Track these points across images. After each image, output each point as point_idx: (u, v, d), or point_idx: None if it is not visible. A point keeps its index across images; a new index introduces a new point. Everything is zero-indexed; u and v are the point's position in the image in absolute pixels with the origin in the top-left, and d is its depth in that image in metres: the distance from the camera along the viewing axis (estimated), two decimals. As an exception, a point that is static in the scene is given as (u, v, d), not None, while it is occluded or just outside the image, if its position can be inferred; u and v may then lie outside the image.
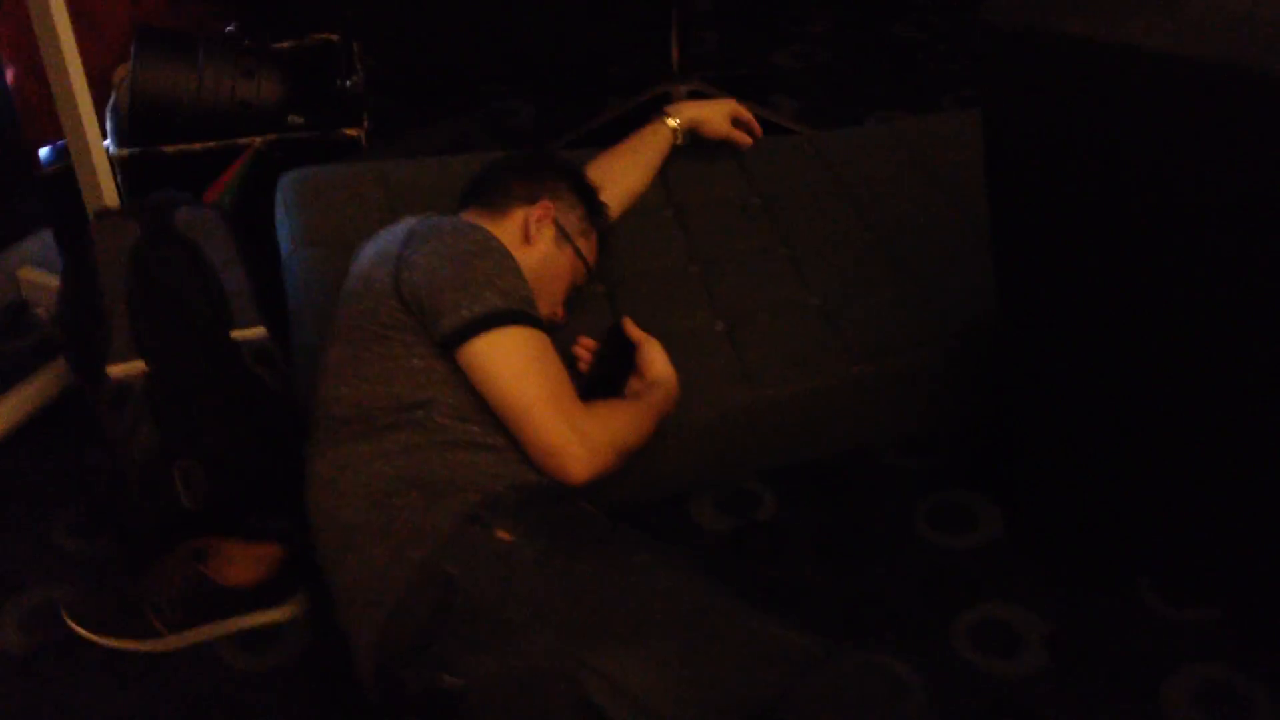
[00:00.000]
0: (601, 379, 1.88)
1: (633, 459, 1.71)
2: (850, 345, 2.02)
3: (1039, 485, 1.94)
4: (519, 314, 1.65)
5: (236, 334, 2.04)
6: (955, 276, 2.14)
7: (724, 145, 2.38)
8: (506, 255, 1.72)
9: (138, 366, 1.93)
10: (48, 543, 1.99)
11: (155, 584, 1.81)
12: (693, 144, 2.33)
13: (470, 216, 1.88)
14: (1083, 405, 1.79)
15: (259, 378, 2.02)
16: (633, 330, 1.89)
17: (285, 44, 2.69)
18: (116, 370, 1.93)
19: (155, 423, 1.91)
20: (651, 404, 1.79)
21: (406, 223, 1.76)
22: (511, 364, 1.63)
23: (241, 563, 1.85)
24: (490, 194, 1.92)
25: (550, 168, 1.99)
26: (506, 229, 1.85)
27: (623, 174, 2.17)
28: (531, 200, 1.90)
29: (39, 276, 2.47)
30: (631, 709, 1.38)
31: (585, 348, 1.92)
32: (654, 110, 2.34)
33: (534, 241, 1.86)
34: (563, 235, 1.91)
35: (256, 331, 2.06)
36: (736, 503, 2.02)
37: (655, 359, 1.85)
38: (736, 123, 2.37)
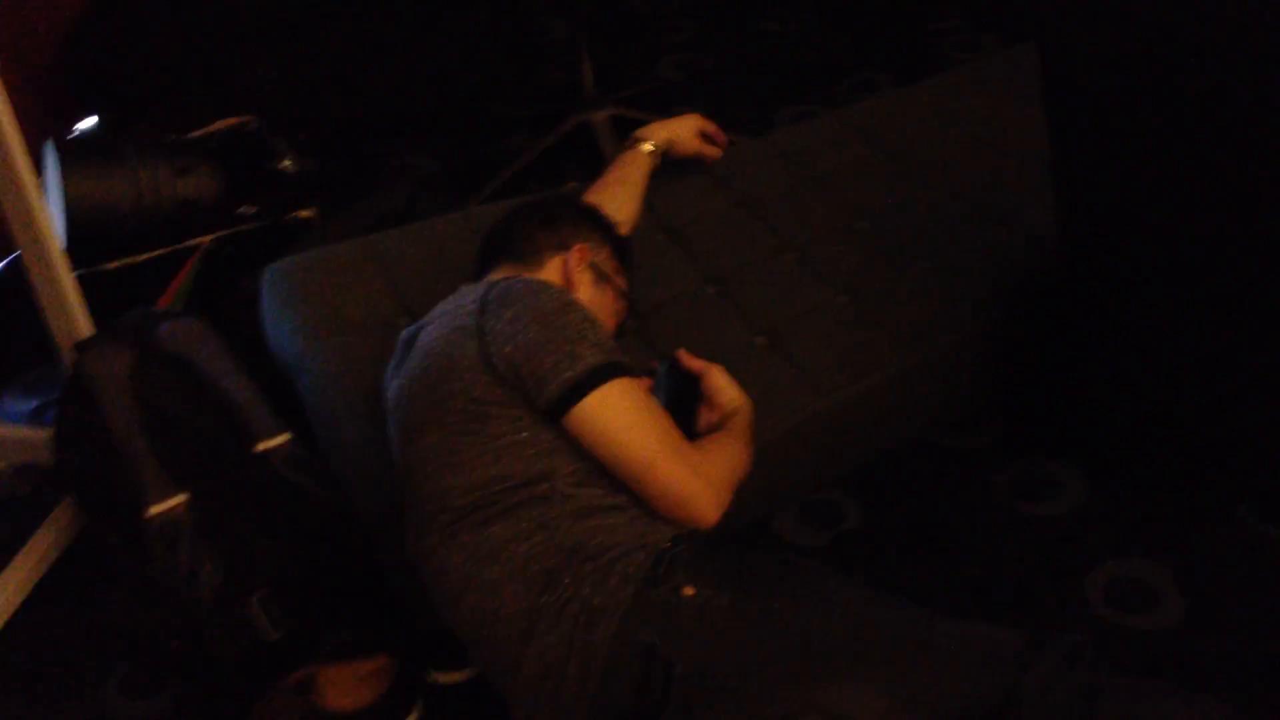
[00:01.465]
0: (672, 417, 1.81)
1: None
2: (894, 337, 1.99)
3: (1120, 434, 1.95)
4: (617, 366, 1.57)
5: (261, 446, 1.90)
6: (958, 249, 2.15)
7: (692, 161, 2.34)
8: (583, 306, 1.64)
9: (179, 501, 1.78)
10: (103, 709, 1.80)
11: (263, 727, 1.66)
12: (661, 164, 2.28)
13: (502, 273, 1.78)
14: (1155, 341, 1.81)
15: (299, 486, 1.89)
16: (692, 361, 1.82)
17: (195, 133, 2.51)
18: (158, 509, 1.77)
19: (217, 558, 1.75)
20: (741, 430, 1.73)
21: (471, 291, 1.66)
22: (624, 419, 1.55)
23: (349, 685, 1.71)
24: (516, 247, 1.83)
25: (569, 210, 1.91)
26: (547, 278, 1.76)
27: (618, 206, 2.10)
28: (562, 246, 1.82)
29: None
30: (863, 742, 1.33)
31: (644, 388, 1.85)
32: (577, 140, 2.26)
33: (576, 286, 1.78)
34: (601, 275, 1.84)
35: (282, 439, 1.93)
36: (821, 515, 1.98)
37: (724, 386, 1.79)
38: (703, 137, 2.33)
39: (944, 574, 1.85)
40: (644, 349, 2.00)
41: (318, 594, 1.82)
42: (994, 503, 1.96)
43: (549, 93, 3.33)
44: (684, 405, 1.80)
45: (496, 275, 1.76)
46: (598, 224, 1.91)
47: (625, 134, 2.29)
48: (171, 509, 1.76)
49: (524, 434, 1.54)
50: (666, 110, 2.38)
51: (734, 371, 1.80)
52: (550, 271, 1.79)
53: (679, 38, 3.62)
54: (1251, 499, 1.88)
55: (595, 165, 2.74)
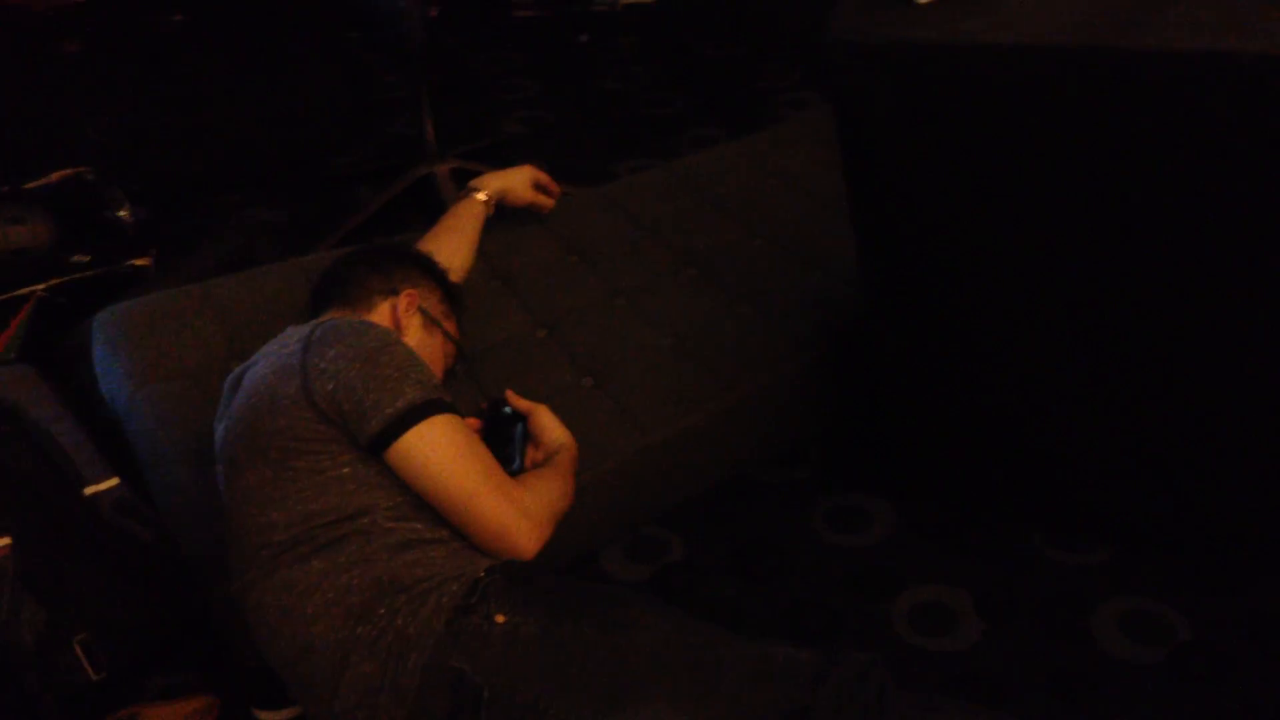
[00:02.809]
0: (497, 455, 1.86)
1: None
2: (716, 376, 2.08)
3: (923, 469, 2.06)
4: (439, 403, 1.61)
5: (90, 490, 1.91)
6: (780, 292, 2.26)
7: (526, 211, 2.42)
8: (406, 346, 1.69)
9: (2, 544, 1.77)
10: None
11: (85, 770, 1.66)
12: (497, 213, 2.35)
13: (331, 316, 1.83)
14: (953, 384, 1.93)
15: (126, 530, 1.90)
16: (518, 401, 1.88)
17: (30, 185, 2.51)
18: (-24, 553, 1.76)
19: (38, 601, 1.75)
20: (564, 466, 1.79)
21: (296, 332, 1.70)
22: (444, 453, 1.59)
23: (172, 725, 1.72)
24: (346, 292, 1.88)
25: (400, 256, 1.97)
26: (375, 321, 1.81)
27: (453, 253, 2.17)
28: (391, 291, 1.87)
29: None
30: (669, 759, 1.39)
31: (471, 428, 1.90)
32: (420, 191, 2.32)
33: (405, 330, 1.84)
34: (430, 320, 1.89)
35: (110, 484, 1.93)
36: (645, 549, 2.05)
37: (549, 424, 1.85)
38: (537, 187, 2.41)
39: (759, 601, 1.93)
40: (475, 391, 2.06)
41: (143, 636, 1.82)
42: (808, 534, 2.05)
43: (394, 148, 3.40)
44: (512, 444, 1.86)
45: (329, 318, 1.81)
46: (428, 270, 1.97)
47: (466, 186, 2.35)
48: (-7, 552, 1.75)
49: (345, 469, 1.57)
50: (509, 163, 2.46)
51: (561, 411, 1.87)
52: (379, 315, 1.84)
53: (522, 95, 3.72)
54: (1043, 527, 2.00)
55: (436, 215, 2.81)
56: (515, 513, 1.59)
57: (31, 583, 1.77)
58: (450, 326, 1.94)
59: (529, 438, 1.85)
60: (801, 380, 2.13)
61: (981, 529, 2.02)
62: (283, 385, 1.61)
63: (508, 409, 1.88)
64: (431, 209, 2.92)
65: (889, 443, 2.09)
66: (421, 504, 1.59)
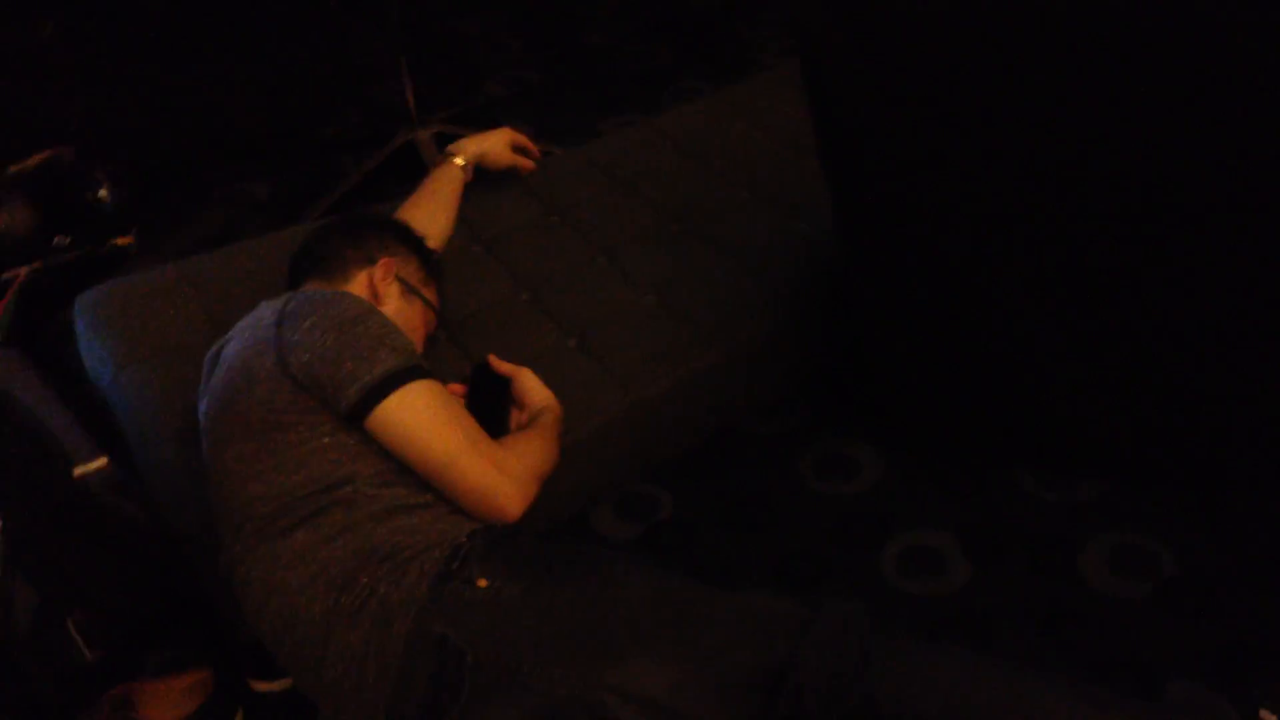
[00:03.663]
0: (482, 420, 1.87)
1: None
2: (700, 332, 2.08)
3: (909, 414, 2.06)
4: (416, 369, 1.62)
5: (79, 471, 1.92)
6: (764, 244, 2.25)
7: (506, 174, 2.41)
8: (382, 315, 1.69)
9: (-10, 527, 1.78)
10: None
11: (85, 748, 1.68)
12: (477, 177, 2.34)
13: (309, 288, 1.83)
14: (934, 326, 1.92)
15: (116, 509, 1.91)
16: (501, 365, 1.88)
17: (11, 169, 2.51)
18: (-33, 537, 1.77)
19: (30, 583, 1.76)
20: (548, 427, 1.80)
21: (270, 305, 1.70)
22: (423, 419, 1.60)
23: (168, 699, 1.74)
24: (324, 264, 1.88)
25: (376, 226, 1.96)
26: (354, 292, 1.82)
27: (431, 219, 2.16)
28: (369, 261, 1.87)
29: None
30: (651, 714, 1.40)
31: (455, 393, 1.91)
32: (403, 158, 2.32)
33: (383, 299, 1.84)
34: (408, 288, 1.89)
35: (99, 463, 1.94)
36: (635, 507, 2.05)
37: (532, 387, 1.86)
38: (516, 149, 2.40)
39: (750, 554, 1.94)
40: (459, 356, 2.06)
41: (137, 613, 1.84)
42: (797, 484, 2.06)
43: (376, 114, 3.38)
44: (497, 408, 1.86)
45: (307, 290, 1.81)
46: (404, 238, 1.97)
47: (444, 151, 2.35)
48: (-18, 536, 1.77)
49: (325, 439, 1.58)
50: (493, 126, 2.45)
51: (546, 374, 1.87)
52: (357, 285, 1.84)
53: (505, 55, 3.69)
54: (1030, 467, 2.00)
55: (420, 181, 2.80)
56: (498, 474, 1.60)
57: (23, 565, 1.78)
58: (429, 294, 1.94)
59: (513, 401, 1.86)
60: (786, 331, 2.13)
61: (969, 472, 2.03)
62: (258, 359, 1.62)
63: (491, 373, 1.88)
64: (415, 175, 2.91)
65: (875, 389, 2.09)
66: (404, 470, 1.60)
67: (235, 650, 1.82)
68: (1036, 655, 1.72)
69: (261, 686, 1.80)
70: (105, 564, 1.85)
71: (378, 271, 1.85)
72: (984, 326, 1.87)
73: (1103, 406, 1.89)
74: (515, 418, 1.85)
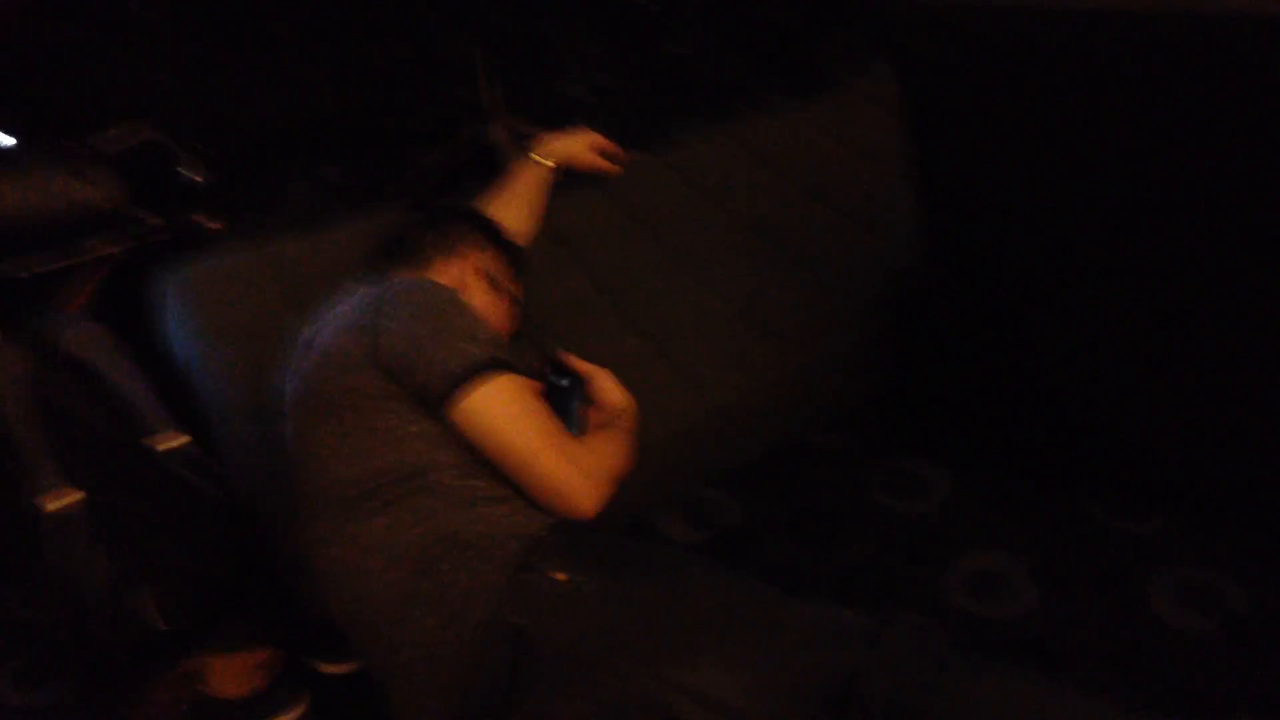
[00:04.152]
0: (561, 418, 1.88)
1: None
2: (776, 342, 2.09)
3: (982, 436, 2.06)
4: (503, 362, 1.64)
5: (161, 447, 1.95)
6: (841, 259, 2.26)
7: (587, 175, 2.43)
8: (471, 307, 1.71)
9: (74, 497, 1.82)
10: (-2, 702, 1.84)
11: (154, 713, 1.71)
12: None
13: (394, 277, 1.86)
14: (1013, 350, 1.93)
15: (192, 485, 1.94)
16: (579, 364, 1.90)
17: (93, 140, 2.54)
18: (52, 504, 1.81)
19: (110, 554, 1.80)
20: (625, 429, 1.81)
21: (364, 290, 1.72)
22: (507, 413, 1.62)
23: (238, 674, 1.77)
24: (411, 252, 1.91)
25: (464, 218, 1.99)
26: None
27: (520, 221, 2.18)
28: (450, 253, 1.89)
29: None
30: (718, 717, 1.41)
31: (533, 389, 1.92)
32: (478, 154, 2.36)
33: (470, 294, 1.86)
34: (494, 284, 1.91)
35: (179, 440, 1.97)
36: (703, 513, 2.06)
37: (610, 388, 1.86)
38: (602, 152, 2.42)
39: (815, 565, 1.94)
40: (535, 354, 2.08)
41: (209, 588, 1.87)
42: (865, 499, 2.06)
43: (452, 109, 3.41)
44: (572, 407, 1.88)
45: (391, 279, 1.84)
46: (491, 234, 1.99)
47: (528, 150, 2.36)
48: (67, 505, 1.80)
49: (412, 427, 1.60)
50: (559, 125, 2.45)
51: (621, 375, 1.88)
52: (443, 276, 1.86)
53: (582, 59, 3.71)
54: (1102, 496, 2.00)
55: (493, 176, 2.82)
56: (576, 472, 1.62)
57: (103, 535, 1.82)
58: (515, 290, 1.96)
59: (589, 401, 1.87)
60: (860, 347, 2.14)
61: (1038, 497, 2.02)
62: (352, 344, 1.64)
63: (568, 371, 1.90)
64: (488, 170, 2.95)
65: (947, 409, 2.09)
66: (484, 463, 1.62)
67: (304, 630, 1.84)
68: (1103, 684, 1.70)
69: (328, 669, 1.83)
70: (181, 538, 1.88)
71: (468, 265, 1.87)
72: (1063, 351, 1.88)
73: (1176, 439, 1.89)
74: (592, 417, 1.86)
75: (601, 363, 1.89)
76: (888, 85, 2.86)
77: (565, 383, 1.89)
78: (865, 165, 2.54)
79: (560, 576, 1.48)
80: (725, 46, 3.75)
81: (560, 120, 3.13)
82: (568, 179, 2.38)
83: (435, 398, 1.59)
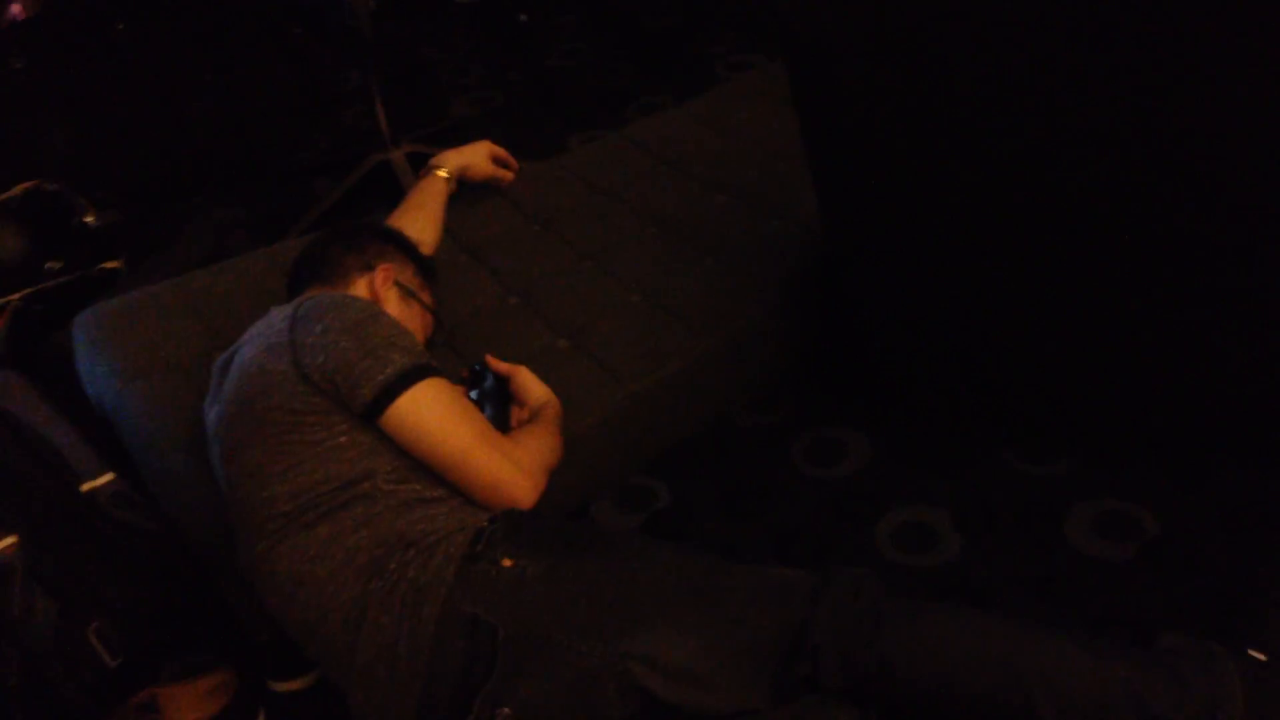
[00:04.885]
0: (487, 417, 1.92)
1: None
2: (688, 326, 2.14)
3: (895, 395, 2.14)
4: (426, 368, 1.67)
5: (87, 486, 1.95)
6: (742, 243, 2.32)
7: (486, 185, 2.48)
8: (390, 316, 1.74)
9: (9, 543, 1.81)
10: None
11: (112, 753, 1.71)
12: (458, 189, 2.40)
13: (310, 295, 1.88)
14: (915, 310, 2.00)
15: (126, 521, 1.94)
16: (499, 365, 1.94)
17: (-10, 198, 2.53)
18: (-16, 553, 1.80)
19: (51, 595, 1.79)
20: (550, 420, 1.85)
21: (280, 311, 1.75)
22: (435, 415, 1.65)
23: (192, 702, 1.77)
24: (324, 271, 1.93)
25: (372, 233, 2.02)
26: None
27: (420, 229, 2.21)
28: (368, 267, 1.93)
29: None
30: (676, 680, 1.45)
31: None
32: (377, 179, 2.39)
33: (384, 303, 1.89)
34: (407, 292, 1.95)
35: (106, 479, 1.98)
36: (634, 499, 2.11)
37: (531, 384, 1.91)
38: (495, 161, 2.47)
39: (749, 537, 2.00)
40: (455, 360, 2.11)
41: (154, 619, 1.87)
42: (790, 470, 2.12)
43: (348, 137, 3.43)
44: (497, 406, 1.92)
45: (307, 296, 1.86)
46: (400, 244, 2.02)
47: (427, 164, 2.40)
48: (1, 551, 1.79)
49: (343, 438, 1.63)
50: (462, 144, 2.50)
51: (541, 373, 1.93)
52: (357, 290, 1.89)
53: (469, 78, 3.76)
54: (1012, 443, 2.08)
55: (395, 200, 2.85)
56: (509, 466, 1.66)
57: (41, 576, 1.81)
58: (426, 297, 2.00)
59: (511, 399, 1.91)
60: (769, 324, 2.20)
61: (953, 450, 2.10)
62: (273, 363, 1.66)
63: (489, 373, 1.94)
64: (389, 195, 2.97)
65: (861, 376, 2.16)
66: (418, 466, 1.65)
67: (254, 651, 1.85)
68: (1032, 617, 1.79)
69: (281, 686, 1.84)
70: (120, 573, 1.87)
71: (377, 277, 1.90)
72: (965, 308, 1.95)
73: (1080, 380, 1.97)
74: (516, 415, 1.90)
75: (519, 362, 1.94)
76: (766, 79, 2.98)
77: (488, 384, 1.93)
78: (755, 154, 2.61)
79: (507, 563, 1.52)
80: (606, 56, 3.82)
81: (455, 139, 3.18)
82: (469, 190, 2.42)
83: (366, 407, 1.62)
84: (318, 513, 1.59)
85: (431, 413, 1.64)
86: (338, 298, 1.74)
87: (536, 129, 3.39)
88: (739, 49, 3.68)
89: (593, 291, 2.25)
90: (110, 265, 2.41)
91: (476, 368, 1.95)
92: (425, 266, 2.04)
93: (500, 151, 2.49)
